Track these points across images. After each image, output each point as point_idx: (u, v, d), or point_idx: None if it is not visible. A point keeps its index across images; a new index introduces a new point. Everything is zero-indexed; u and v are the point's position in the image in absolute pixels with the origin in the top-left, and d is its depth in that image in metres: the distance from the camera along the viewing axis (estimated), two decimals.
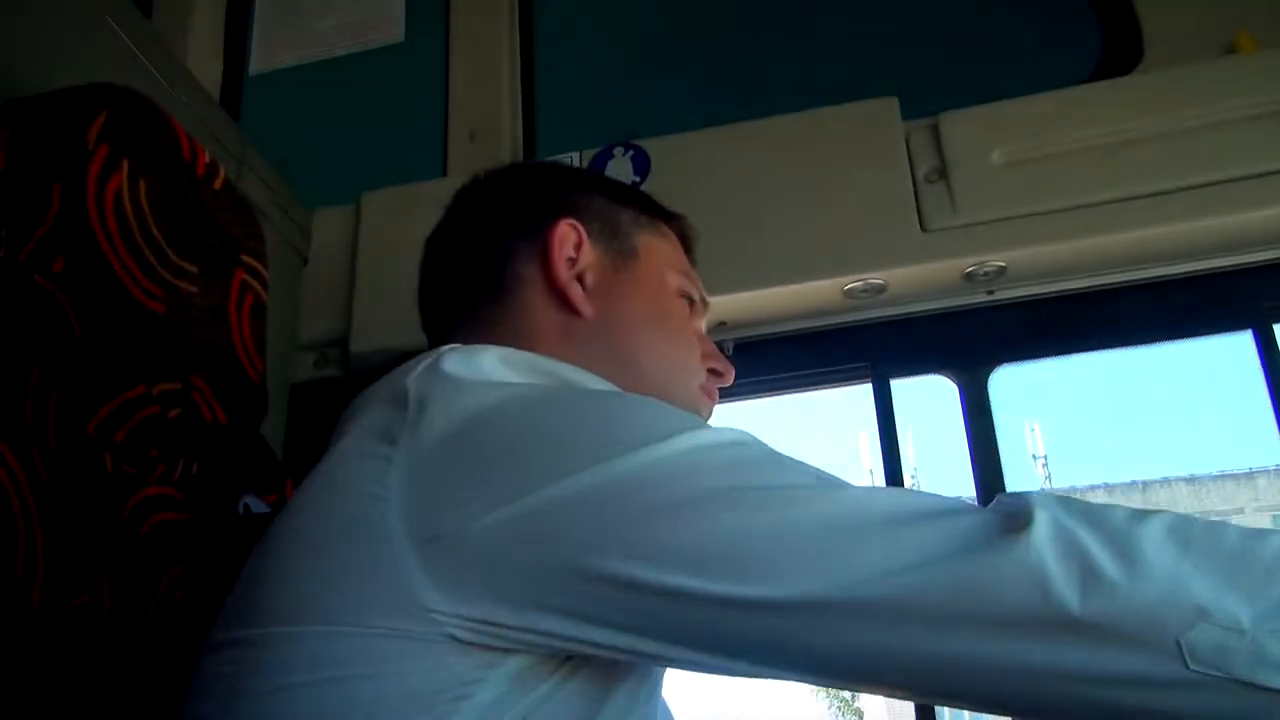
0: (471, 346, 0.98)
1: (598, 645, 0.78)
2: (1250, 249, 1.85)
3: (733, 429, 0.84)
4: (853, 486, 0.80)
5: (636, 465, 0.78)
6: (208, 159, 1.22)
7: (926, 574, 0.72)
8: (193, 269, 1.18)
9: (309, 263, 2.05)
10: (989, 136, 1.84)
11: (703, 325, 1.32)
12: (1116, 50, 1.99)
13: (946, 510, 0.77)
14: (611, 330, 1.16)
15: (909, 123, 1.89)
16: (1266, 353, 1.85)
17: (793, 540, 0.74)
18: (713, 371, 1.27)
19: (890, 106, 1.89)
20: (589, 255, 1.19)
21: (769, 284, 1.84)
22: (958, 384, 1.91)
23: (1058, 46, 2.08)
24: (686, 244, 1.34)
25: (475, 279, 1.19)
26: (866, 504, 0.77)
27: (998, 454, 1.85)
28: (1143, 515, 0.75)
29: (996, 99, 1.87)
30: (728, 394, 2.01)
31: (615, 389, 0.98)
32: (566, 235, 1.18)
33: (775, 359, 1.99)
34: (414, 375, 0.91)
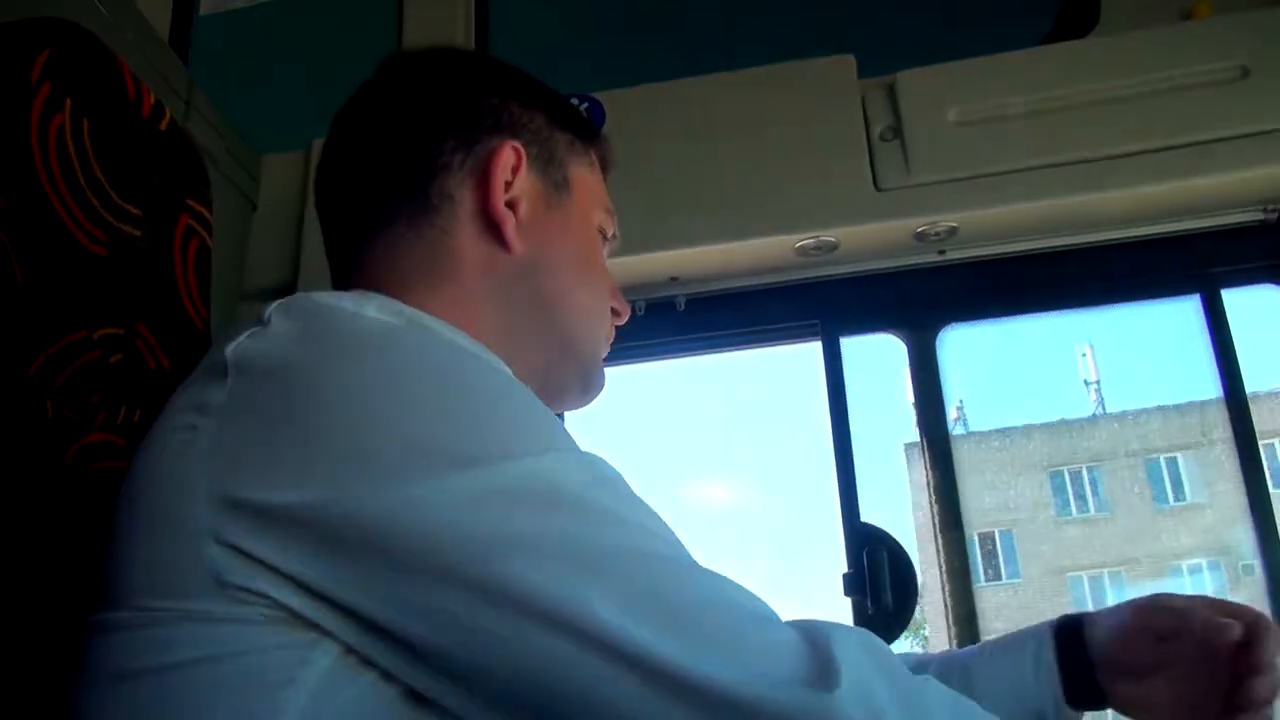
0: (322, 299, 0.86)
1: (387, 658, 0.73)
2: (1201, 214, 1.87)
3: (594, 460, 0.79)
4: (689, 558, 0.77)
5: (480, 484, 0.72)
6: (153, 100, 1.20)
7: (733, 677, 0.69)
8: (136, 212, 1.16)
9: (257, 209, 2.02)
10: (945, 96, 1.84)
11: (606, 257, 1.21)
12: (1073, 13, 1.99)
13: (765, 618, 0.75)
14: (537, 271, 1.07)
15: (865, 81, 1.89)
16: (1213, 318, 1.88)
17: (622, 595, 0.70)
18: (613, 311, 1.17)
19: (847, 64, 1.89)
20: (524, 184, 1.07)
21: (720, 239, 1.84)
22: (906, 343, 1.92)
23: (1015, 8, 2.08)
24: (605, 170, 1.22)
25: (397, 186, 1.06)
26: (702, 583, 0.75)
27: (944, 416, 1.87)
28: (923, 677, 0.78)
29: (953, 59, 1.87)
30: (679, 349, 2.03)
31: (485, 367, 0.87)
32: (507, 159, 1.06)
33: (725, 316, 1.99)
34: (234, 344, 0.82)
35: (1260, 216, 1.87)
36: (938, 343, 1.91)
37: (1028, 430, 11.89)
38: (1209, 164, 1.75)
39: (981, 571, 10.97)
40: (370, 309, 0.85)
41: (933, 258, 1.91)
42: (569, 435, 0.83)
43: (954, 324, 1.92)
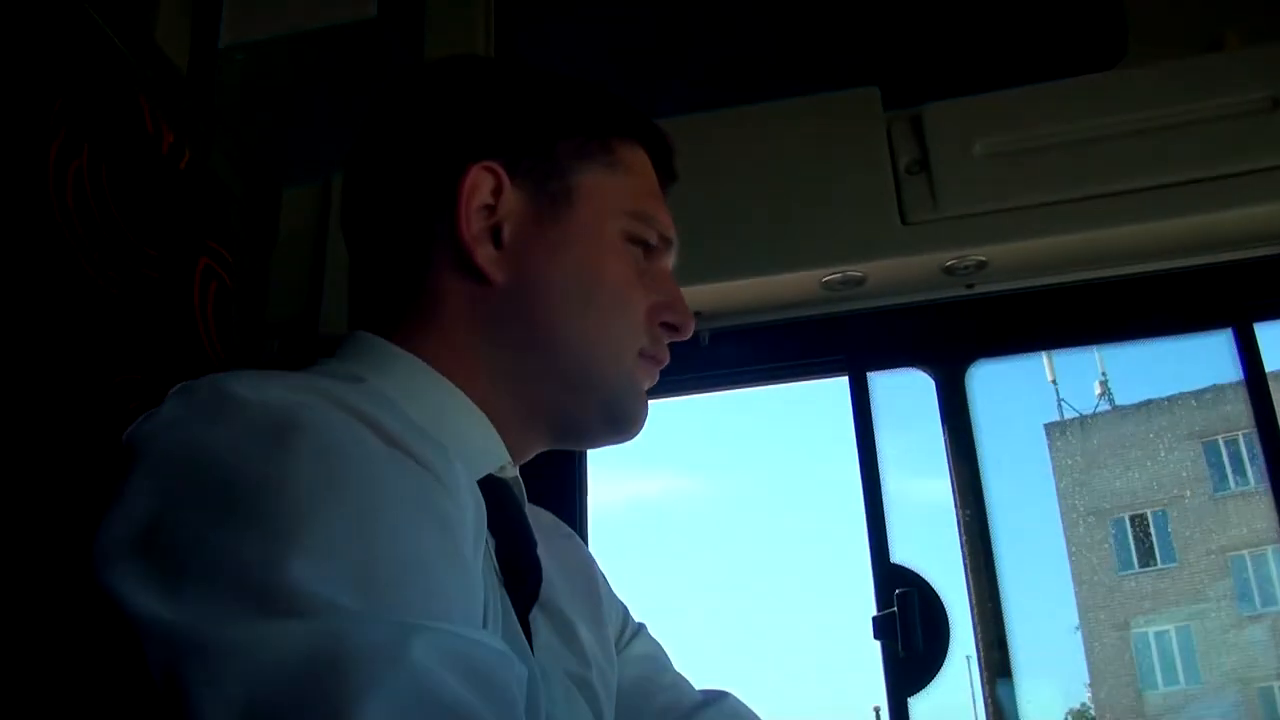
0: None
1: None
2: (1231, 247, 1.84)
3: (455, 654, 0.65)
4: None
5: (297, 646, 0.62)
6: (173, 139, 1.19)
7: None
8: (154, 253, 1.14)
9: (278, 244, 2.01)
10: (971, 129, 1.81)
11: (669, 263, 1.12)
12: (1100, 45, 1.97)
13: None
14: (528, 300, 0.99)
15: (890, 114, 1.86)
16: (1245, 351, 1.85)
17: None
18: (666, 326, 1.07)
19: (871, 97, 1.86)
20: (510, 203, 1.00)
21: (746, 274, 1.81)
22: (934, 379, 1.89)
23: (1042, 39, 2.06)
24: (660, 161, 1.14)
25: (378, 220, 1.02)
26: None
27: (975, 452, 1.84)
28: None
29: (979, 91, 1.84)
30: (703, 385, 2.01)
31: (369, 484, 0.74)
32: (480, 182, 0.99)
33: (751, 350, 1.96)
34: (131, 429, 0.77)
35: None
36: (967, 378, 1.87)
37: (1178, 399, 11.05)
38: (1239, 196, 1.72)
39: (1135, 557, 10.62)
40: (272, 389, 0.77)
41: (961, 291, 1.87)
42: (448, 596, 0.70)
43: (983, 359, 1.89)
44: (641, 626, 1.23)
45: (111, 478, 0.74)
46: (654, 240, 1.08)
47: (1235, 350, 1.85)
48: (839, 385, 1.90)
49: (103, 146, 1.08)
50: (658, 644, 1.24)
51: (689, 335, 1.10)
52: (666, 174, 1.14)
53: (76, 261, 1.04)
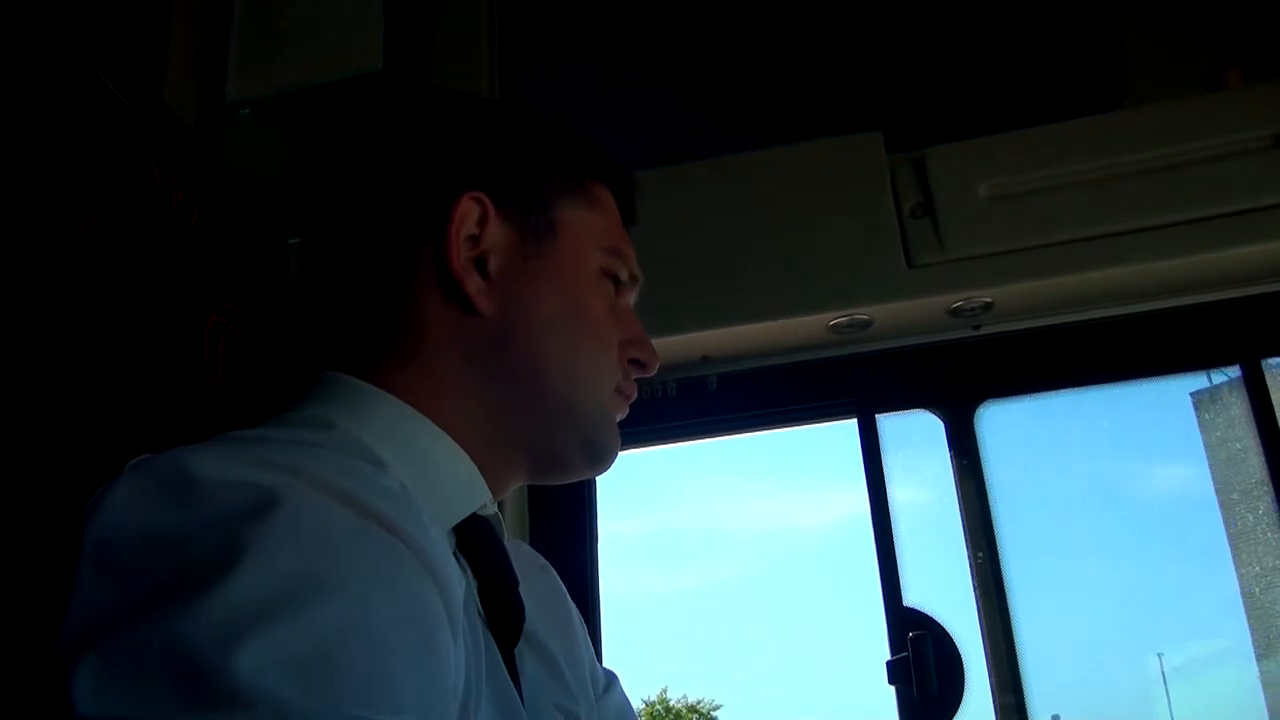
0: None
1: None
2: (1238, 285, 1.84)
3: None
4: None
5: None
6: (182, 197, 1.19)
7: None
8: (164, 313, 1.15)
9: (287, 294, 2.01)
10: (975, 171, 1.82)
11: (631, 301, 1.11)
12: (1102, 85, 1.98)
13: None
14: (514, 331, 0.98)
15: (894, 157, 1.87)
16: (1254, 388, 1.85)
17: None
18: (634, 362, 1.08)
19: (875, 142, 1.88)
20: (495, 234, 0.99)
21: (753, 319, 1.82)
22: (944, 421, 1.89)
23: (1043, 81, 2.08)
24: (625, 203, 1.13)
25: (356, 253, 1.01)
26: None
27: (985, 493, 1.83)
28: None
29: (982, 134, 1.85)
30: (712, 429, 2.01)
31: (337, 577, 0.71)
32: (468, 212, 0.98)
33: (759, 394, 1.97)
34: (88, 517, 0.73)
35: None
36: (975, 419, 1.87)
37: None
38: (1243, 234, 1.72)
39: None
40: (235, 468, 0.74)
41: (968, 333, 1.88)
42: (400, 686, 0.68)
43: (991, 400, 1.89)
44: (614, 677, 1.23)
45: (67, 559, 0.72)
46: (624, 276, 1.08)
47: (1244, 387, 1.85)
48: None
49: (112, 206, 1.09)
50: (628, 699, 1.24)
51: (653, 373, 1.10)
52: (629, 216, 1.14)
53: (88, 321, 1.05)
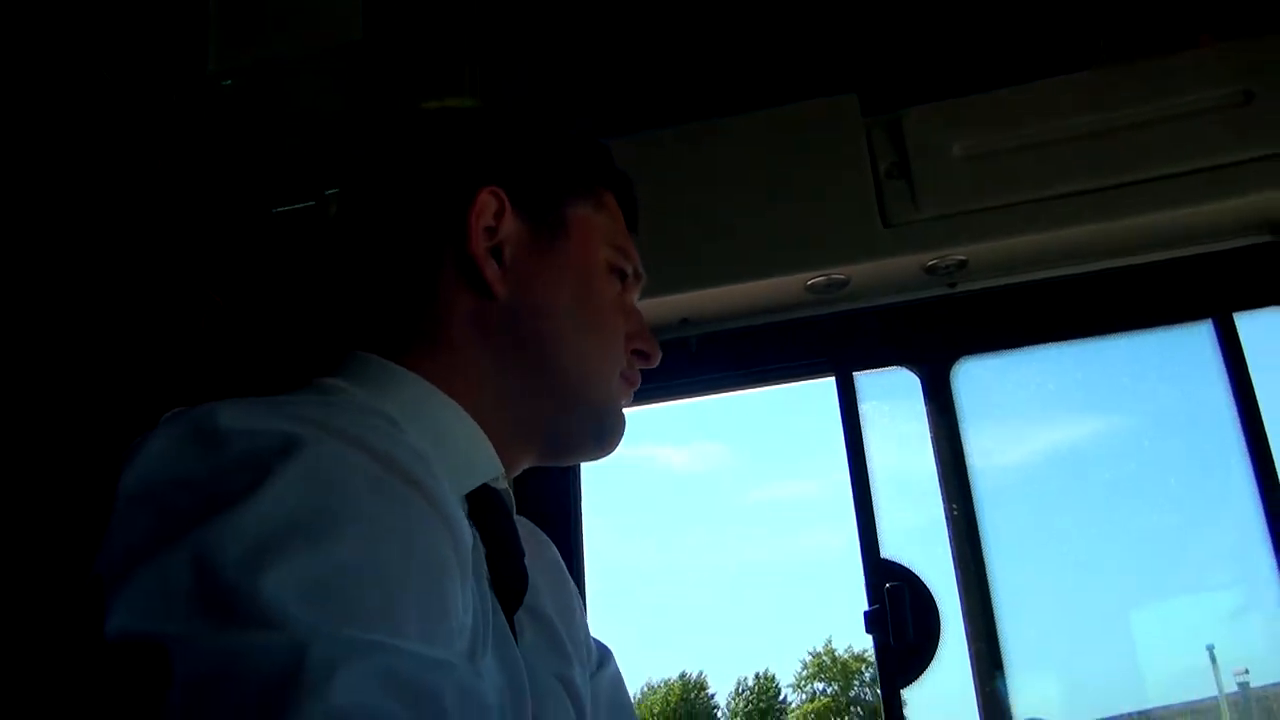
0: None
1: None
2: (1209, 240, 1.88)
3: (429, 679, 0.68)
4: None
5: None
6: (168, 171, 1.22)
7: None
8: (156, 286, 1.18)
9: (272, 263, 2.04)
10: (949, 131, 1.85)
11: (635, 298, 1.18)
12: (1074, 45, 2.00)
13: None
14: (527, 316, 1.04)
15: (870, 119, 1.90)
16: (1226, 342, 1.88)
17: None
18: (638, 353, 1.15)
19: (850, 104, 1.90)
20: (510, 226, 1.05)
21: (732, 280, 1.85)
22: (920, 377, 1.92)
23: (1018, 42, 2.09)
24: (628, 209, 1.20)
25: (381, 244, 1.07)
26: None
27: (961, 447, 1.87)
28: None
29: (957, 95, 1.88)
30: (692, 389, 2.04)
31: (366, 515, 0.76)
32: (486, 204, 1.04)
33: (738, 354, 2.00)
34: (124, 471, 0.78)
35: (1269, 238, 1.87)
36: (951, 375, 1.91)
37: None
38: (1215, 189, 1.76)
39: None
40: (262, 419, 0.78)
41: (943, 290, 1.91)
42: (408, 613, 0.73)
43: (967, 356, 1.93)
44: (608, 652, 1.27)
45: (105, 505, 0.77)
46: (630, 273, 1.14)
47: (1215, 341, 1.88)
48: None
49: (102, 177, 1.11)
50: (621, 674, 1.28)
51: (656, 364, 1.17)
52: (632, 222, 1.21)
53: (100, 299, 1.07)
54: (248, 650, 0.65)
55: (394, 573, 0.74)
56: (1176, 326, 1.95)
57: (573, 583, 1.25)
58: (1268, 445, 1.83)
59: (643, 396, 2.01)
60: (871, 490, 1.86)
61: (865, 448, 1.88)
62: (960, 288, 1.91)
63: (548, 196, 1.09)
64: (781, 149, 1.89)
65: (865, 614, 1.78)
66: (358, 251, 1.10)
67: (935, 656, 1.75)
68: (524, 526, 1.18)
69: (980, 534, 1.84)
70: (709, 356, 1.98)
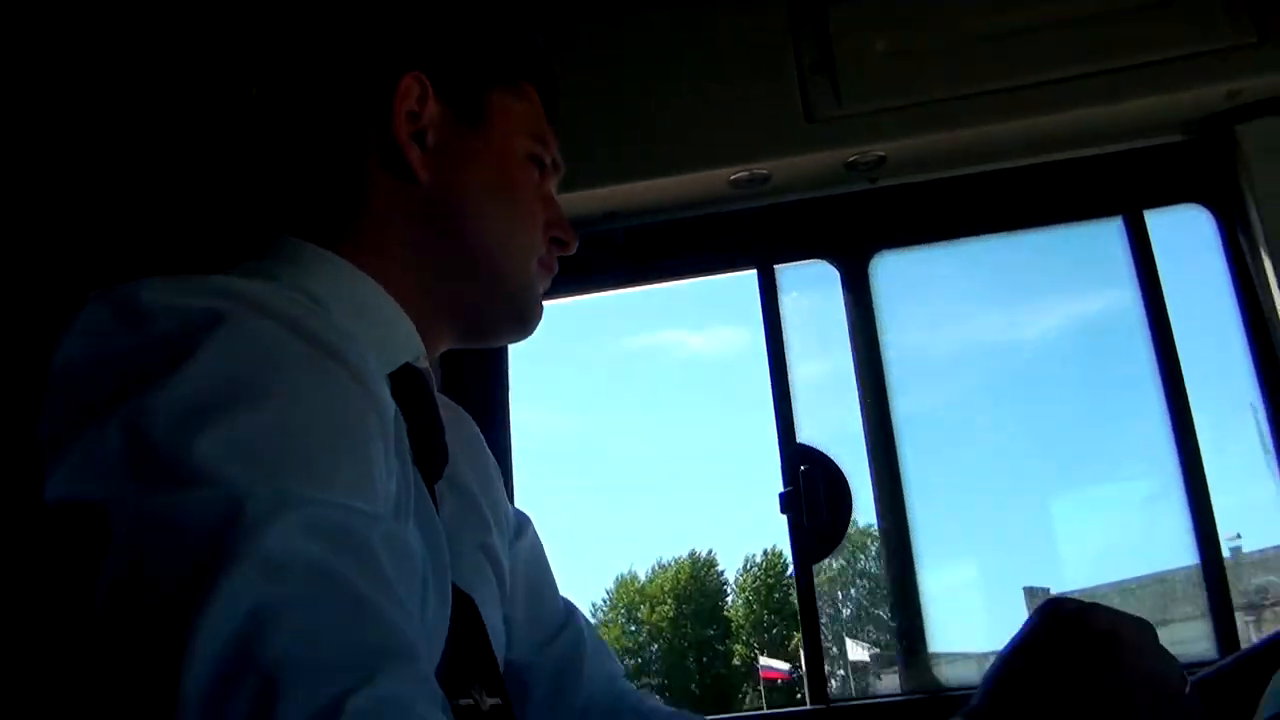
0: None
1: None
2: (1125, 138, 1.92)
3: (350, 530, 0.72)
4: None
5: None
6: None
7: None
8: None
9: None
10: (874, 27, 1.88)
11: (554, 188, 1.21)
12: None
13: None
14: (448, 200, 1.08)
15: (795, 14, 1.91)
16: (1135, 239, 1.94)
17: None
18: (555, 241, 1.18)
19: None
20: (433, 112, 1.08)
21: (656, 174, 1.89)
22: (839, 269, 1.98)
23: None
24: (549, 100, 1.22)
25: (307, 125, 1.10)
26: None
27: (877, 340, 1.93)
28: None
29: None
30: (619, 281, 2.08)
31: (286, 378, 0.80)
32: (410, 89, 1.06)
33: (664, 247, 2.04)
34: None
35: (1180, 138, 1.93)
36: (870, 269, 1.96)
37: None
38: (1130, 89, 1.80)
39: None
40: (186, 297, 0.82)
41: (864, 186, 1.95)
42: (334, 471, 0.77)
43: (885, 250, 1.98)
44: (526, 519, 1.32)
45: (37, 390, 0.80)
46: (548, 162, 1.17)
47: (1126, 238, 1.94)
48: None
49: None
50: (540, 540, 1.33)
51: (573, 251, 1.20)
52: (553, 114, 1.23)
53: None
54: (183, 507, 0.69)
55: (320, 436, 0.79)
56: (1089, 223, 2.01)
57: (491, 455, 1.30)
58: (1172, 339, 1.90)
59: (573, 287, 2.07)
60: (789, 378, 1.92)
61: (784, 338, 1.94)
62: (880, 183, 1.95)
63: (470, 84, 1.12)
64: (707, 44, 1.92)
65: (780, 495, 1.85)
66: (282, 137, 1.13)
67: (845, 536, 1.83)
68: (445, 404, 1.23)
69: (892, 421, 1.91)
70: (636, 249, 2.01)
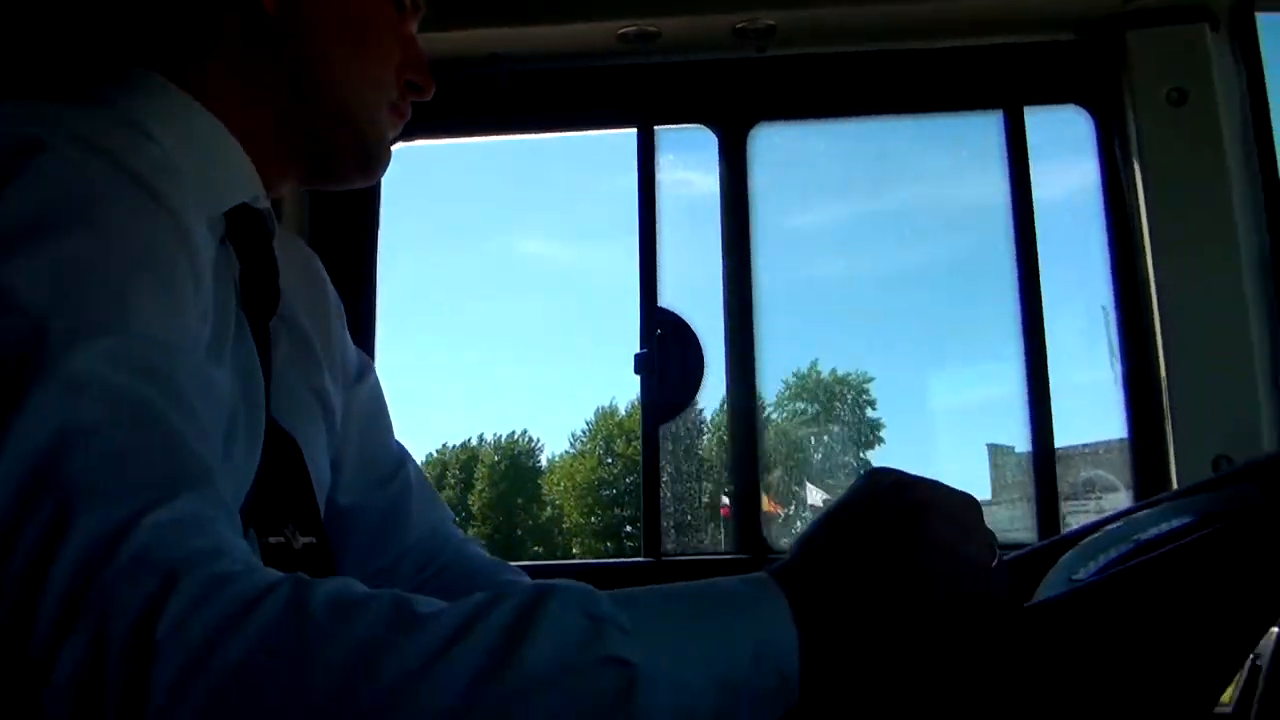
0: None
1: None
2: (1012, 31, 1.93)
3: (141, 353, 0.74)
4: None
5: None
6: None
7: None
8: None
9: None
10: None
11: (414, 28, 1.15)
12: None
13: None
14: (296, 34, 1.03)
15: None
16: (1012, 134, 1.97)
17: None
18: (410, 85, 1.12)
19: None
20: None
21: (544, 20, 1.85)
22: (718, 135, 1.98)
23: None
24: None
25: None
26: None
27: (748, 208, 1.95)
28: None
29: None
30: (501, 127, 2.06)
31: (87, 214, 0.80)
32: None
33: (546, 97, 2.02)
34: None
35: (1070, 36, 1.94)
36: (749, 138, 1.96)
37: None
38: None
39: None
40: (4, 123, 0.82)
41: (751, 54, 1.94)
42: (141, 308, 0.77)
43: (765, 121, 1.98)
44: (368, 363, 1.32)
45: None
46: (408, 2, 1.12)
47: (1002, 132, 1.97)
48: None
49: None
50: (380, 385, 1.34)
51: (430, 97, 1.15)
52: None
53: None
54: None
55: (127, 270, 0.79)
56: (969, 114, 2.03)
57: (336, 298, 1.30)
58: (1034, 237, 1.95)
59: (451, 130, 2.05)
60: (656, 242, 1.93)
61: (656, 201, 1.95)
62: (768, 52, 1.94)
63: None
64: None
65: (636, 356, 1.88)
66: None
67: (694, 401, 1.88)
68: (291, 243, 1.22)
69: (753, 291, 1.94)
70: (518, 97, 1.98)
